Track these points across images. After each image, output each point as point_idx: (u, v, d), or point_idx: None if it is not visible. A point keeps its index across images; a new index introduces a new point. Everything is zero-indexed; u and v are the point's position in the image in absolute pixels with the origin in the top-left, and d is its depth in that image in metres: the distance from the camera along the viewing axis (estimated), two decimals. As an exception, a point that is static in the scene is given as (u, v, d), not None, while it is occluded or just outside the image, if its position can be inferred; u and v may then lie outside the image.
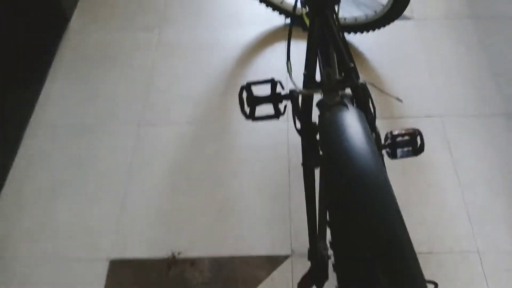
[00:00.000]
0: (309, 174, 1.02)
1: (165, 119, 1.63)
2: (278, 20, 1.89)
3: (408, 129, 0.89)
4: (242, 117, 0.97)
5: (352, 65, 0.94)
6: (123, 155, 1.55)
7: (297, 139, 0.99)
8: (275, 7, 1.82)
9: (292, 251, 1.32)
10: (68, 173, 1.51)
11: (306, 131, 0.96)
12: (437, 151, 1.48)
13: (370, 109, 0.91)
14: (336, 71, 0.98)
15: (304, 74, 0.99)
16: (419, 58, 1.74)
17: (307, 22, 1.08)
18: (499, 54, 1.70)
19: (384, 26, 1.64)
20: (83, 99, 1.70)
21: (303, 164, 1.01)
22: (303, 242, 1.30)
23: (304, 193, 1.05)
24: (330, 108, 0.84)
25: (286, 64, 1.08)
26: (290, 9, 1.76)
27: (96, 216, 1.42)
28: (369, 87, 0.91)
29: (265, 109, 1.00)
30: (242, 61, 1.77)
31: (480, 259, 1.28)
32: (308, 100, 0.99)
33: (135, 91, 1.71)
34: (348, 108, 0.82)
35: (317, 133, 0.93)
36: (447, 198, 1.39)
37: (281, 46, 1.81)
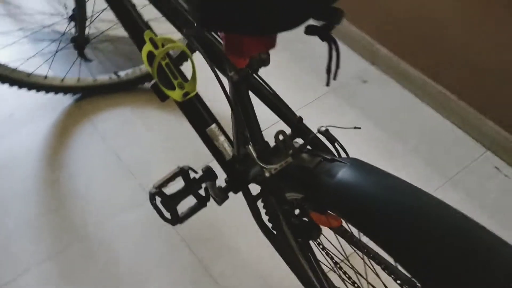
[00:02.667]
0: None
1: None
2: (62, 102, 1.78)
3: None
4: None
5: (299, 116, 0.85)
6: None
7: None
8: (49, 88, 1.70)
9: None
10: None
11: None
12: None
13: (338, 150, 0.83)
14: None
15: (255, 149, 0.81)
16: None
17: (174, 93, 0.99)
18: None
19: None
20: None
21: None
22: None
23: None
24: (327, 171, 0.73)
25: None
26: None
27: None
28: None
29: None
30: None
31: None
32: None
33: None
34: (343, 159, 0.75)
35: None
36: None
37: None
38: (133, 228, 1.46)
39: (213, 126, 1.09)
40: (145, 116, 1.75)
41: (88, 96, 1.80)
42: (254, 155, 0.76)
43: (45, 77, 1.68)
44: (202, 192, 0.98)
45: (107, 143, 1.67)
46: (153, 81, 1.07)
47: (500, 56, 1.45)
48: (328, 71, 0.56)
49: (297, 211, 0.87)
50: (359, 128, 0.76)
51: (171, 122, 1.74)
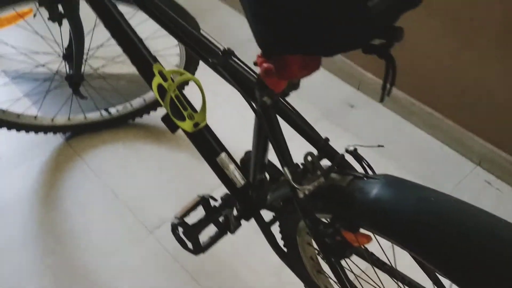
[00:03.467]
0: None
1: None
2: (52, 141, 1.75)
3: None
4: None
5: (326, 137, 0.87)
6: None
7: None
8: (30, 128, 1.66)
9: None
10: None
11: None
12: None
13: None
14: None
15: (288, 170, 0.80)
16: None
17: (185, 124, 1.02)
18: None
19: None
20: None
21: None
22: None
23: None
24: (361, 189, 0.75)
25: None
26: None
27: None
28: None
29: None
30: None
31: None
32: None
33: None
34: (376, 176, 0.77)
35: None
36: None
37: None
38: (136, 265, 1.44)
39: (223, 155, 1.10)
40: (138, 150, 1.74)
41: (78, 134, 1.78)
42: (290, 177, 0.77)
43: (35, 117, 1.66)
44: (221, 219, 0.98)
45: (101, 180, 1.64)
46: (164, 114, 1.09)
47: (480, 73, 1.52)
48: (384, 87, 0.59)
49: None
50: (382, 146, 0.78)
51: (164, 155, 1.73)
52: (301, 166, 0.83)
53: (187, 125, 1.07)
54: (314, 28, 0.48)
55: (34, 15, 1.24)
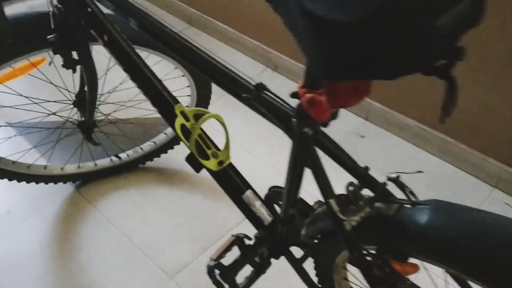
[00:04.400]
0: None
1: None
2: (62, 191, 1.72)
3: None
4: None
5: (365, 165, 0.86)
6: None
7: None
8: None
9: None
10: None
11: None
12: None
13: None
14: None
15: (335, 202, 0.78)
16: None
17: (209, 163, 1.02)
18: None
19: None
20: None
21: None
22: None
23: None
24: (410, 216, 0.73)
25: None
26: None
27: None
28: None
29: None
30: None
31: None
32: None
33: None
34: (425, 202, 0.75)
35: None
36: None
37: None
38: (159, 313, 1.39)
39: (249, 192, 1.08)
40: (151, 194, 1.71)
41: (88, 182, 1.75)
42: (336, 208, 0.75)
43: (45, 167, 1.63)
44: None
45: (116, 227, 1.61)
46: (188, 154, 1.07)
47: (487, 94, 1.53)
48: (444, 108, 0.58)
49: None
50: (422, 172, 0.77)
51: (178, 197, 1.70)
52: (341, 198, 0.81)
53: (212, 164, 1.06)
54: (383, 50, 0.47)
55: (50, 63, 1.24)
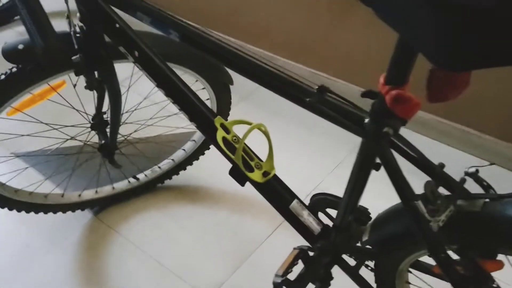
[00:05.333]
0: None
1: None
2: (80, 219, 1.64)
3: None
4: None
5: (440, 162, 0.81)
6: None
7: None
8: None
9: None
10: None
11: None
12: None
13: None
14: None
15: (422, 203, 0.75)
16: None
17: (254, 175, 0.97)
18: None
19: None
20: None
21: None
22: None
23: None
24: (500, 211, 0.70)
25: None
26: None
27: None
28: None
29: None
30: None
31: None
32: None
33: None
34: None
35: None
36: None
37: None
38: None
39: (295, 202, 1.04)
40: (174, 214, 1.66)
41: (107, 206, 1.69)
42: (424, 210, 0.71)
43: (62, 195, 1.57)
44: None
45: (142, 250, 1.55)
46: (231, 168, 1.03)
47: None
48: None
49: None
50: (494, 163, 0.74)
51: (202, 214, 1.65)
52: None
53: (257, 175, 1.01)
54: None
55: (75, 86, 1.18)
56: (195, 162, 1.70)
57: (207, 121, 1.01)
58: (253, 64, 0.86)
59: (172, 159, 1.68)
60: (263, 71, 0.86)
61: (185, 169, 1.71)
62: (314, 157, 1.86)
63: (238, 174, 1.01)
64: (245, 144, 1.01)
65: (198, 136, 1.64)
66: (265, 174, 1.02)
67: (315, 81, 1.92)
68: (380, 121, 0.70)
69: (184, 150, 1.67)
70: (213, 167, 1.73)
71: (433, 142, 1.83)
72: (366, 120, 0.75)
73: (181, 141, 1.70)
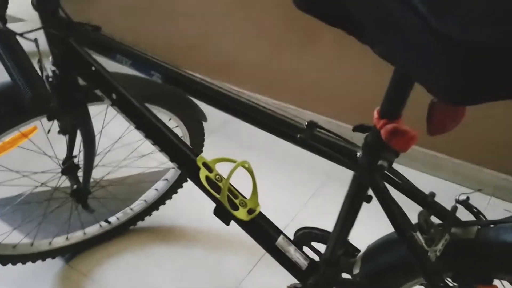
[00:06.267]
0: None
1: None
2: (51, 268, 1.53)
3: None
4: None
5: (431, 192, 0.82)
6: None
7: None
8: None
9: None
10: None
11: None
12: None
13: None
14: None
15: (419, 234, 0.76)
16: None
17: (240, 213, 0.96)
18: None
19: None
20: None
21: None
22: None
23: None
24: (494, 237, 0.71)
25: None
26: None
27: None
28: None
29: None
30: None
31: None
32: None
33: None
34: (506, 220, 0.74)
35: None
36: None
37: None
38: None
39: (281, 238, 1.03)
40: (149, 256, 1.61)
41: (78, 253, 1.62)
42: (422, 241, 0.72)
43: (32, 244, 1.50)
44: None
45: (119, 297, 1.49)
46: (214, 207, 1.01)
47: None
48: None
49: None
50: (481, 189, 0.76)
51: (178, 254, 1.61)
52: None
53: (242, 213, 1.00)
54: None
55: (48, 132, 1.14)
56: (168, 201, 1.67)
57: (189, 160, 1.00)
58: (240, 103, 0.86)
59: (144, 200, 1.64)
60: (254, 111, 0.85)
61: (157, 209, 1.67)
62: (287, 188, 1.86)
63: (223, 213, 1.00)
64: (229, 183, 1.00)
65: (171, 174, 1.61)
66: (250, 211, 1.00)
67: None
68: (374, 154, 0.71)
69: (156, 189, 1.64)
70: (186, 205, 1.70)
71: (405, 168, 1.86)
72: (359, 154, 0.76)
73: (153, 180, 1.67)
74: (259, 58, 2.04)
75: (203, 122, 1.43)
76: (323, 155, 0.78)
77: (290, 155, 1.93)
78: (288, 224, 1.69)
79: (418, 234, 0.72)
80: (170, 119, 1.37)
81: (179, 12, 2.19)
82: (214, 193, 0.97)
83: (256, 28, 1.96)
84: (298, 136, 0.78)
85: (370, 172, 0.73)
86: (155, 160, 1.60)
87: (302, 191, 1.84)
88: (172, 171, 1.60)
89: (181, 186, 1.63)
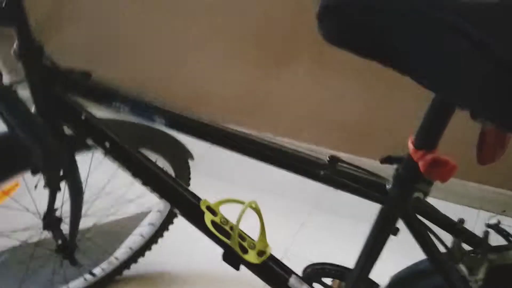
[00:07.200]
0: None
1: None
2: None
3: None
4: None
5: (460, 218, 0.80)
6: None
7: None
8: None
9: None
10: None
11: None
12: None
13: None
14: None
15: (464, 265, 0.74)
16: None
17: (250, 256, 0.93)
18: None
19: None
20: None
21: None
22: None
23: None
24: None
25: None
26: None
27: None
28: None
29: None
30: None
31: None
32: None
33: None
34: None
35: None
36: None
37: None
38: None
39: (293, 278, 0.99)
40: (139, 307, 1.52)
41: (62, 312, 1.51)
42: (466, 272, 0.69)
43: (12, 307, 1.39)
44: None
45: None
46: (223, 253, 0.96)
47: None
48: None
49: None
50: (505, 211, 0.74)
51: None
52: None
53: (252, 256, 0.95)
54: None
55: (35, 186, 1.06)
56: (154, 247, 1.59)
57: (192, 206, 0.95)
58: (259, 145, 0.82)
59: (130, 248, 1.56)
60: (273, 151, 0.81)
61: (143, 256, 1.59)
62: (276, 220, 1.80)
63: (233, 258, 0.94)
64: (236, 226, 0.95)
65: (156, 218, 1.54)
66: (260, 253, 0.96)
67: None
68: (407, 187, 0.68)
69: (142, 236, 1.56)
70: (174, 249, 1.63)
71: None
72: (388, 186, 0.73)
73: (136, 225, 1.59)
74: (233, 88, 2.01)
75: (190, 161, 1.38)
76: (348, 190, 0.75)
77: (273, 187, 1.89)
78: (282, 257, 1.63)
79: (462, 266, 0.69)
80: (156, 160, 1.31)
81: (151, 42, 2.13)
82: (223, 238, 0.92)
83: (234, 57, 1.94)
84: (322, 172, 0.75)
85: (402, 205, 0.70)
86: (136, 203, 1.53)
87: (291, 223, 1.79)
88: (156, 214, 1.53)
89: (167, 229, 1.56)
